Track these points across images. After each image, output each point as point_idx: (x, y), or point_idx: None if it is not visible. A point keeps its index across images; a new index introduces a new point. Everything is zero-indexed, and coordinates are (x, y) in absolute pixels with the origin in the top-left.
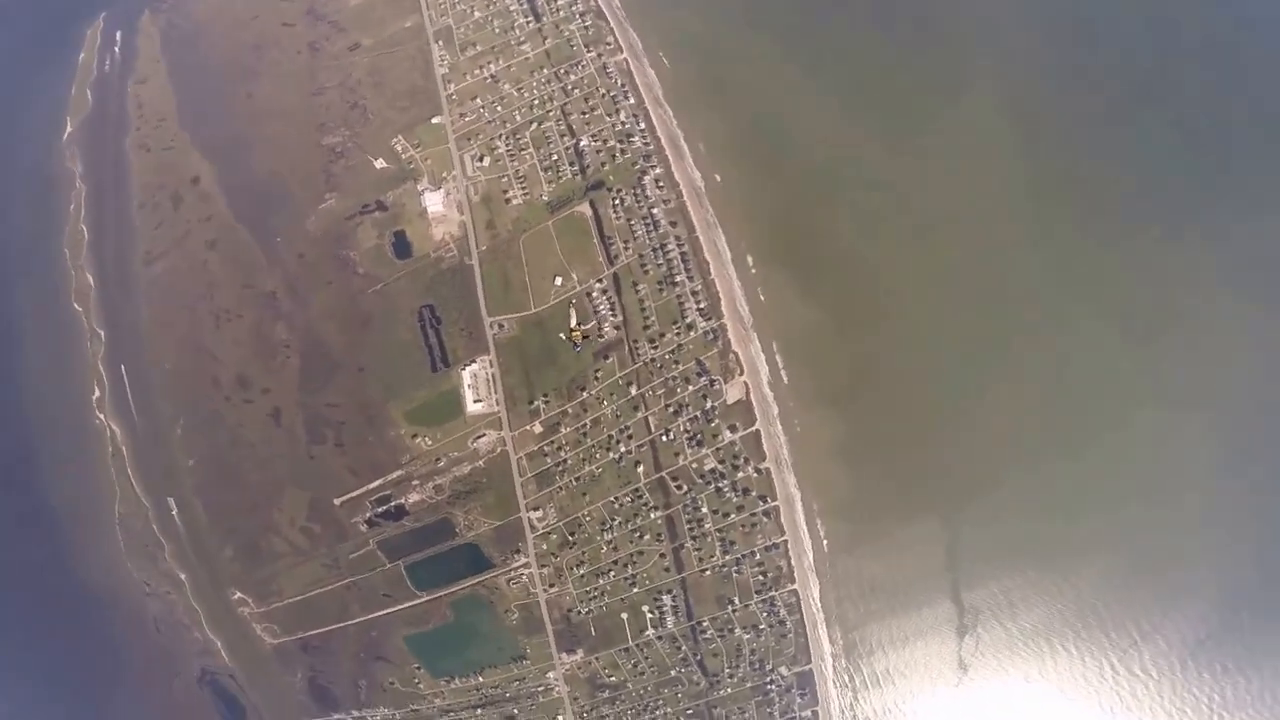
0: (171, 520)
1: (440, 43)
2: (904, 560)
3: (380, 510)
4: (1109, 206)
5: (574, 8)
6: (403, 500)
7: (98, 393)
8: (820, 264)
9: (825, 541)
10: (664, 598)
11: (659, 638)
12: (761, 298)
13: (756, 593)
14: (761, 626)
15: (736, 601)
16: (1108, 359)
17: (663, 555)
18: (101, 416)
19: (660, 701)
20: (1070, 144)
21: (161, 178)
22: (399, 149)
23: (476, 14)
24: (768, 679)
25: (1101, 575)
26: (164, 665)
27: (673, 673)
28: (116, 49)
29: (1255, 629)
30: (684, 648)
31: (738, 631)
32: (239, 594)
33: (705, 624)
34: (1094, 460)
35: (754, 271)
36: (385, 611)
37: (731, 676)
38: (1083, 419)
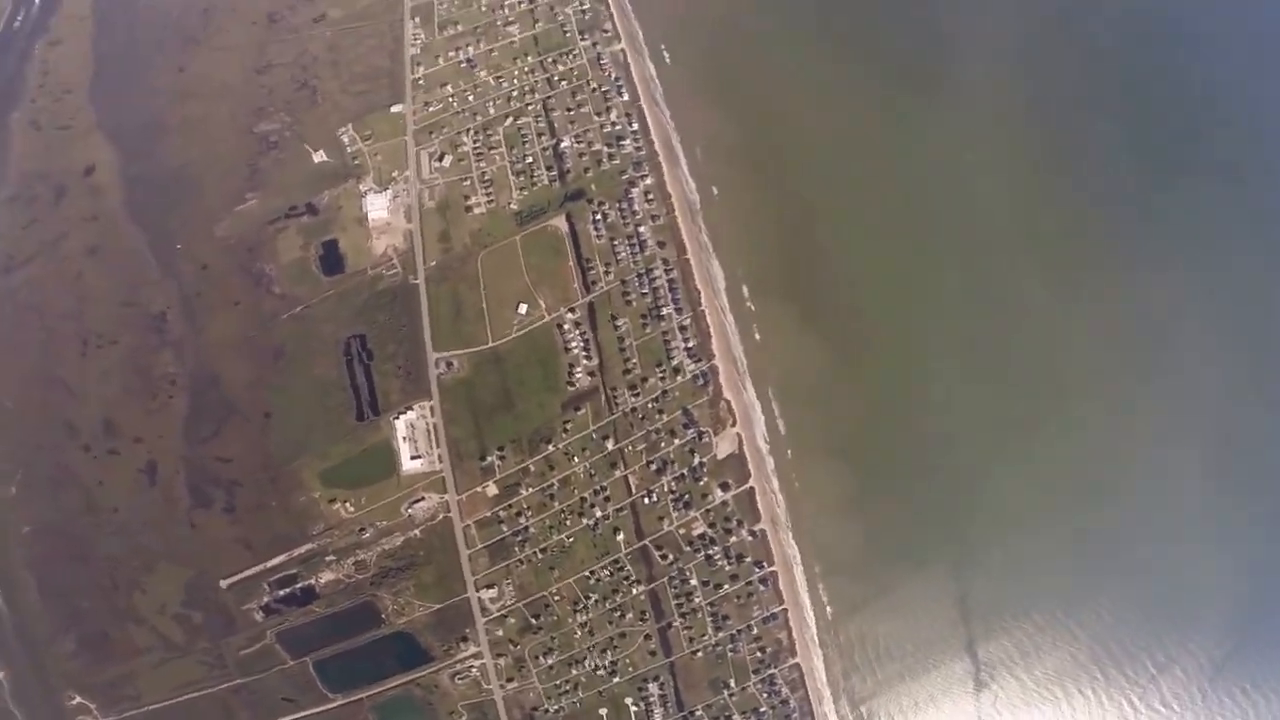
0: None
1: (417, 19)
2: (914, 619)
3: (282, 594)
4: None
5: None
6: (312, 580)
7: None
8: (824, 296)
9: (829, 608)
10: (650, 686)
11: None
12: (757, 336)
13: (754, 671)
14: (763, 710)
15: (733, 684)
16: (1115, 401)
17: (648, 636)
18: None
19: None
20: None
21: (47, 164)
22: (345, 140)
23: None
24: None
25: (1110, 613)
26: None
27: None
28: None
29: (1269, 645)
30: None
31: (736, 718)
32: (78, 699)
33: (699, 713)
34: (1099, 501)
35: (750, 306)
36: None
37: None
38: (1087, 463)
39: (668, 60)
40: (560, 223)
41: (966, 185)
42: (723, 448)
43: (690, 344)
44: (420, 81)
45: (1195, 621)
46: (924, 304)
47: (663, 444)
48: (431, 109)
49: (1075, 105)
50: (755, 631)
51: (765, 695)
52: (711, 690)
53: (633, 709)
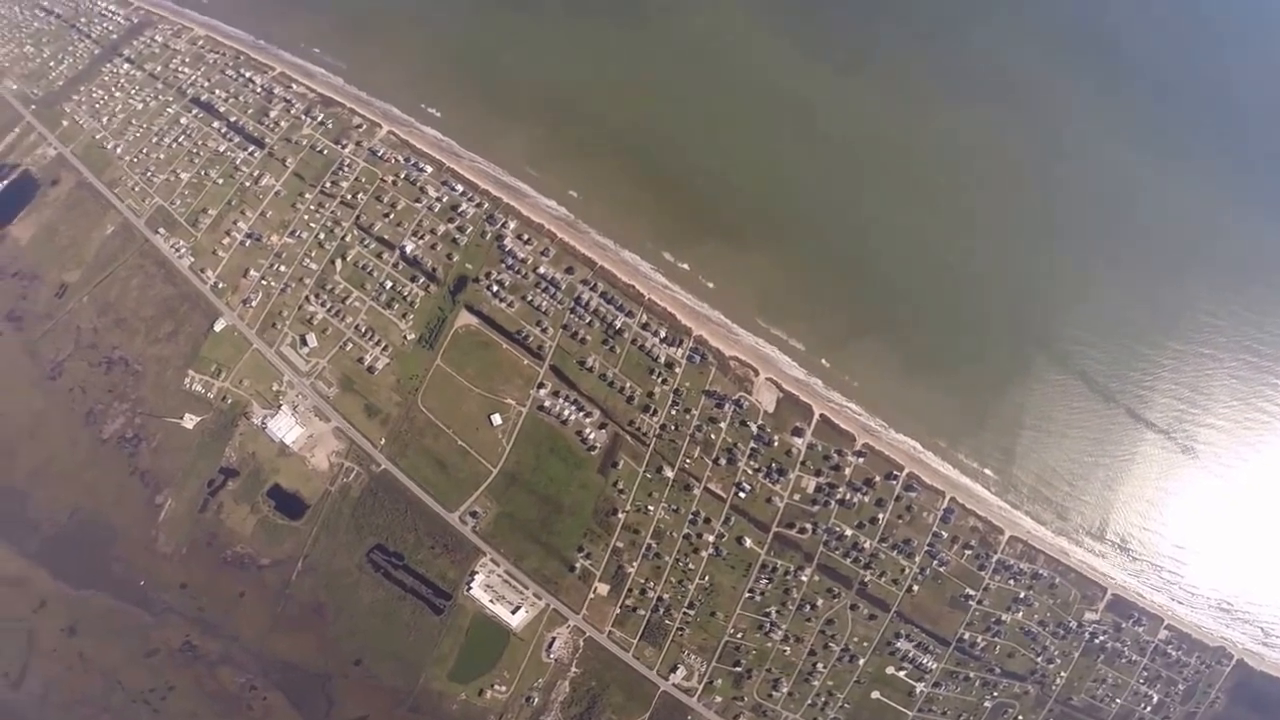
0: None
1: (162, 230)
2: (1065, 430)
3: None
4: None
5: (293, 110)
6: None
7: None
8: (727, 212)
9: (986, 470)
10: (898, 644)
11: (936, 685)
12: (710, 285)
13: (980, 568)
14: (1023, 595)
15: (972, 591)
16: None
17: (854, 606)
18: None
19: None
20: None
21: None
22: (199, 389)
23: (184, 175)
24: (1087, 633)
25: (1217, 315)
26: None
27: (987, 703)
28: None
29: None
30: (973, 674)
31: (1006, 618)
32: None
33: (966, 636)
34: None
35: (683, 266)
36: None
37: (1050, 662)
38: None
39: (438, 115)
40: (467, 319)
41: (742, 63)
42: (766, 399)
43: (662, 333)
44: (220, 286)
45: None
46: (803, 167)
47: (713, 435)
48: (254, 303)
49: None
50: (946, 535)
51: (1011, 582)
52: (959, 609)
53: (900, 674)
